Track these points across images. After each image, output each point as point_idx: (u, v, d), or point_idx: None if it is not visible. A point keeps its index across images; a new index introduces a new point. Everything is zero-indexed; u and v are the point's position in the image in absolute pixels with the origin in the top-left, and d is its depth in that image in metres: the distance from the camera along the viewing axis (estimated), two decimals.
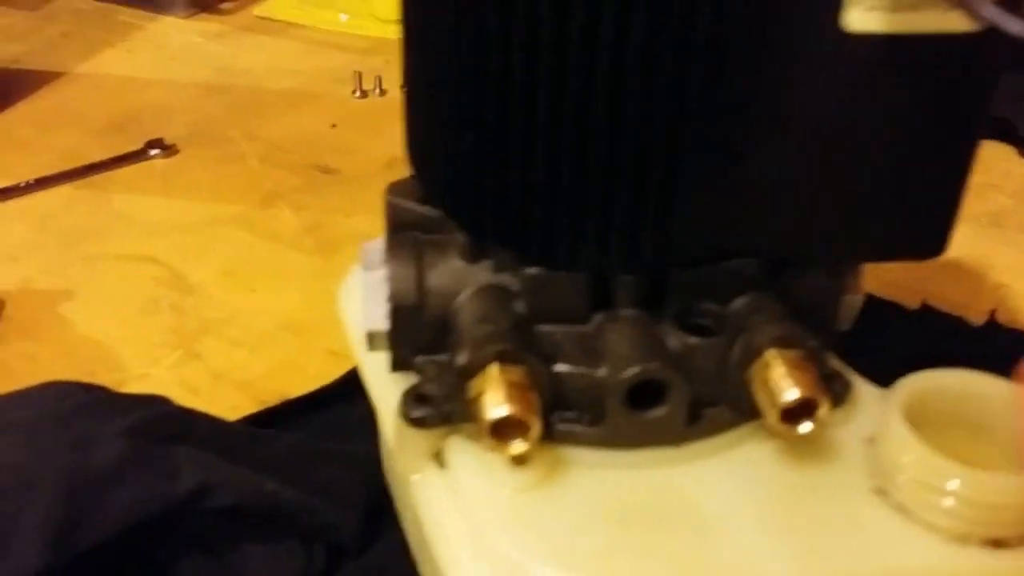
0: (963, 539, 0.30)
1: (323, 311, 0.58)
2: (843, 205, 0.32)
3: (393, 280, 0.33)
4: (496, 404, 0.29)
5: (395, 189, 0.36)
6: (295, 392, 0.52)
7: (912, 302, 0.60)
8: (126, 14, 1.00)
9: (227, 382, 0.54)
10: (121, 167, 0.74)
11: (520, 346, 0.31)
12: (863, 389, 0.35)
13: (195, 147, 0.77)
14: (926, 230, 0.33)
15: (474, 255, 0.33)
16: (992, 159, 0.76)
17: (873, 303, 0.61)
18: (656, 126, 0.28)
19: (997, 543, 0.30)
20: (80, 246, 0.65)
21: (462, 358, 0.31)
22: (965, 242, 0.67)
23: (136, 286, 0.61)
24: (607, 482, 0.32)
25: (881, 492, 0.31)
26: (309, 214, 0.69)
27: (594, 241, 0.30)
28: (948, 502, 0.30)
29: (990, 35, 0.27)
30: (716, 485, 0.32)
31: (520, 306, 0.33)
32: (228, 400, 0.52)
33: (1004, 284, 0.63)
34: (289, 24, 0.96)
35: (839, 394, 0.34)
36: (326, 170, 0.74)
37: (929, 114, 0.30)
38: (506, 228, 0.31)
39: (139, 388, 0.52)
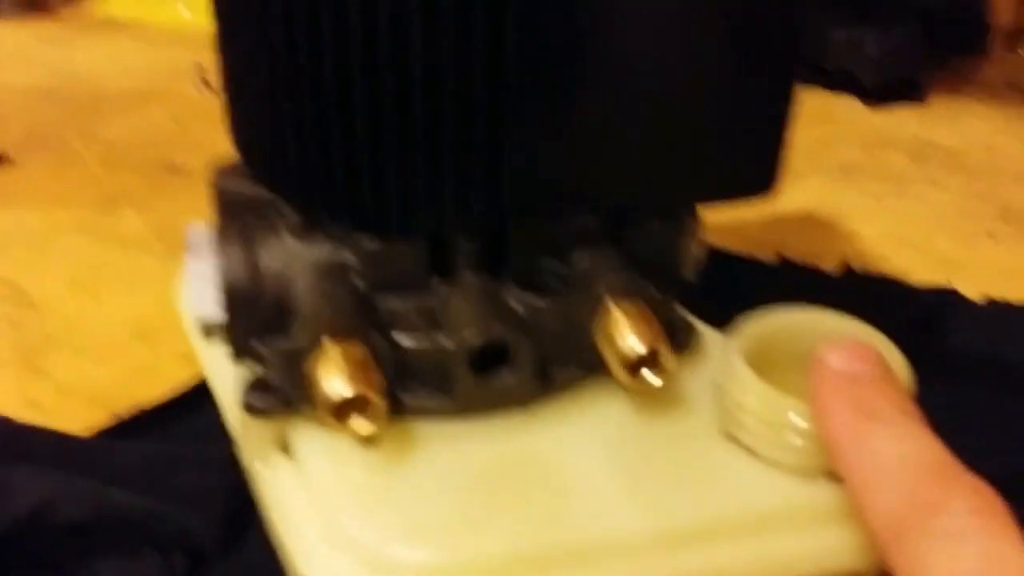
0: (808, 473, 0.30)
1: (175, 315, 0.56)
2: (670, 148, 0.32)
3: (224, 265, 0.31)
4: (335, 384, 0.28)
5: (222, 173, 0.34)
6: (150, 400, 0.50)
7: (768, 256, 0.62)
8: None
9: (76, 396, 0.51)
10: None
11: (358, 322, 0.30)
12: (710, 336, 0.35)
13: (31, 154, 0.73)
14: (755, 168, 0.33)
15: (307, 232, 0.32)
16: (838, 111, 0.78)
17: (729, 258, 0.62)
18: (475, 76, 0.28)
19: (820, 475, 0.30)
20: None
21: (297, 339, 0.30)
22: (816, 194, 0.69)
23: None
24: (460, 453, 0.31)
25: (730, 436, 0.31)
26: (156, 215, 0.66)
27: (424, 203, 0.30)
28: (791, 438, 0.30)
29: None
30: (570, 444, 0.31)
31: (358, 281, 0.32)
32: (78, 415, 0.50)
33: (855, 231, 0.65)
34: (128, 22, 0.92)
35: (684, 342, 0.34)
36: (173, 169, 0.71)
37: (744, 49, 0.30)
38: (334, 200, 0.30)
39: None
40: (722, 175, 0.33)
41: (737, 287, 0.59)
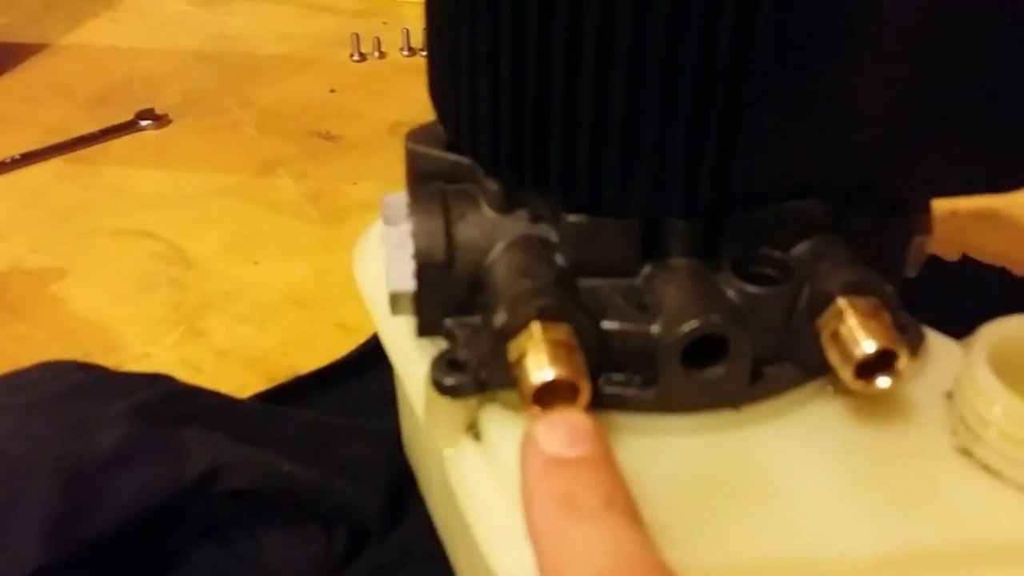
0: None
1: (331, 283, 0.55)
2: (918, 134, 0.28)
3: (418, 235, 0.30)
4: (541, 367, 0.26)
5: (416, 136, 0.32)
6: (305, 368, 0.49)
7: (951, 254, 0.57)
8: None
9: (233, 359, 0.51)
10: (112, 139, 0.70)
11: (564, 302, 0.28)
12: (936, 341, 0.32)
13: (188, 117, 0.73)
14: (1003, 161, 0.30)
15: (508, 205, 0.30)
16: None
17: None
18: (721, 47, 0.25)
19: None
20: (72, 223, 0.61)
21: (500, 318, 0.28)
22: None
23: (132, 262, 0.58)
24: (662, 450, 0.29)
25: (965, 451, 0.28)
26: (311, 182, 0.66)
27: (648, 182, 0.27)
28: None
29: None
30: (782, 450, 0.29)
31: (561, 259, 0.29)
32: (235, 378, 0.49)
33: None
34: None
35: (914, 345, 0.31)
36: (327, 136, 0.71)
37: (1008, 38, 0.27)
38: (546, 172, 0.28)
39: (140, 368, 0.49)
40: (970, 167, 0.29)
41: (918, 286, 0.55)
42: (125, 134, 0.71)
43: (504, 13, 0.26)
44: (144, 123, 0.71)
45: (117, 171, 0.67)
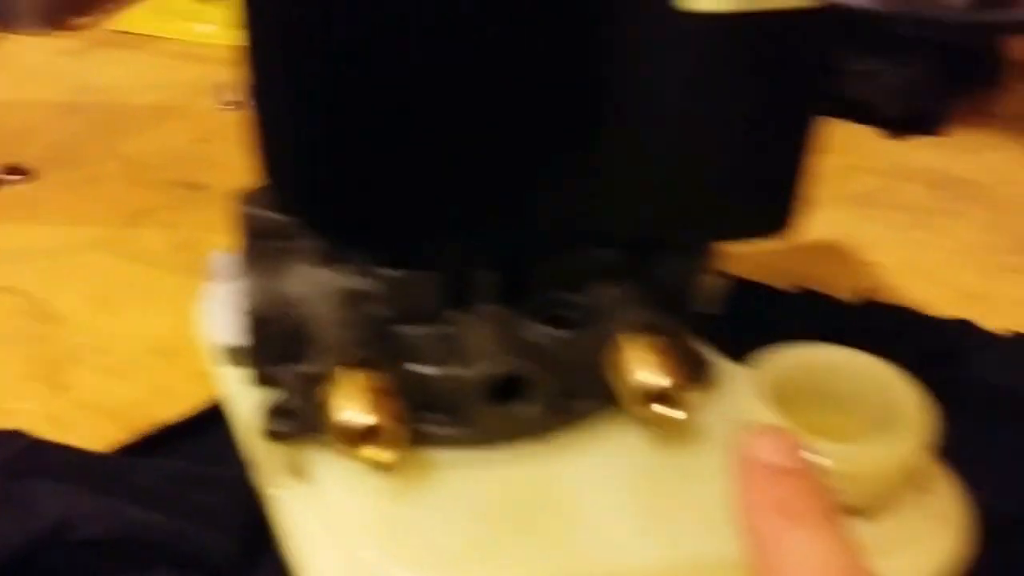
0: None
1: (194, 334, 0.56)
2: (691, 188, 0.32)
3: (248, 290, 0.32)
4: (355, 412, 0.29)
5: (249, 198, 0.35)
6: (169, 418, 0.50)
7: (787, 286, 0.62)
8: None
9: (98, 412, 0.52)
10: None
11: (379, 350, 0.30)
12: (729, 370, 0.35)
13: (56, 170, 0.73)
14: (770, 209, 0.33)
15: (331, 260, 0.33)
16: (855, 140, 0.78)
17: (749, 287, 0.62)
18: (500, 120, 0.28)
19: (855, 513, 0.31)
20: None
21: (317, 366, 0.30)
22: (835, 223, 0.69)
23: None
24: (474, 481, 0.31)
25: None
26: (178, 232, 0.67)
27: (444, 238, 0.30)
28: None
29: (822, 11, 0.27)
30: (585, 476, 0.32)
31: (378, 309, 0.32)
32: (100, 431, 0.50)
33: (875, 261, 0.65)
34: (148, 37, 0.93)
35: (701, 376, 0.34)
36: (195, 186, 0.72)
37: (765, 94, 0.30)
38: (355, 230, 0.31)
39: (2, 425, 0.50)
40: (738, 215, 0.33)
41: (758, 317, 0.59)
42: None
43: (305, 90, 0.29)
44: (11, 178, 0.72)
45: None
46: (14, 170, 0.72)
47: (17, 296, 0.60)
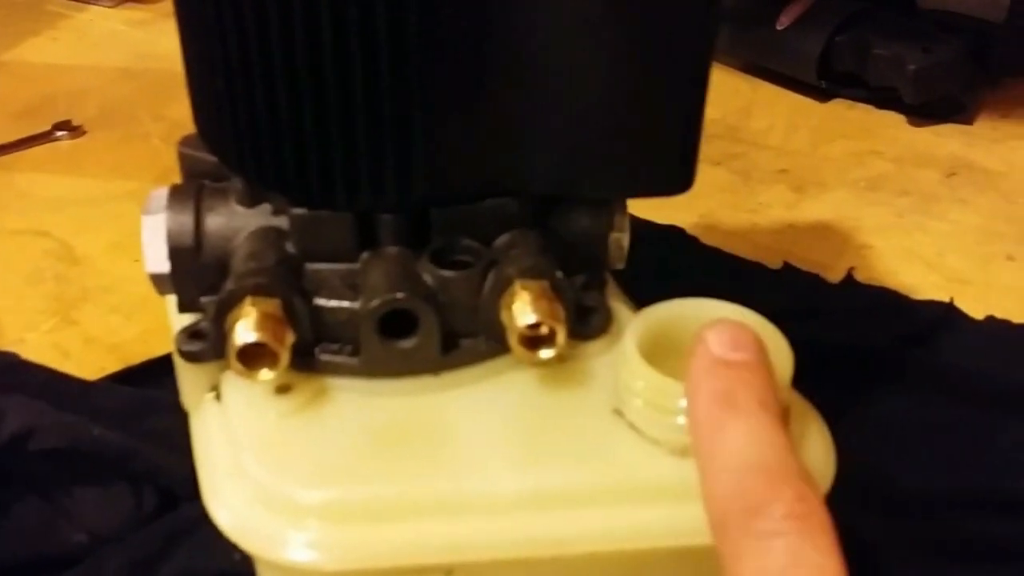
0: (684, 453, 0.31)
1: None
2: (586, 143, 0.33)
3: (171, 224, 0.35)
4: (244, 331, 0.31)
5: (187, 141, 0.38)
6: (157, 355, 0.54)
7: (776, 263, 0.62)
8: (56, 4, 1.02)
9: (99, 346, 0.56)
10: (28, 148, 0.76)
11: (281, 281, 0.33)
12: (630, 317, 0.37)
13: (102, 128, 0.79)
14: (670, 167, 0.34)
15: (252, 200, 0.35)
16: (879, 126, 0.78)
17: (735, 263, 0.63)
18: (381, 65, 0.30)
19: None
20: None
21: (223, 291, 0.33)
22: (839, 206, 0.69)
23: (25, 258, 0.63)
24: (367, 408, 0.34)
25: (619, 413, 0.33)
26: None
27: (341, 182, 0.32)
28: (675, 419, 0.31)
29: None
30: (470, 410, 0.34)
31: (291, 247, 0.35)
32: (98, 362, 0.55)
33: (869, 244, 0.65)
34: None
35: (597, 324, 0.36)
36: None
37: (654, 50, 0.32)
38: (269, 172, 0.33)
39: (15, 352, 0.54)
40: (634, 172, 0.34)
41: (739, 292, 0.60)
42: (41, 143, 0.76)
43: (217, 37, 0.32)
44: (60, 133, 0.77)
45: (28, 177, 0.73)
46: (63, 126, 0.77)
47: (49, 240, 0.66)
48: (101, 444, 0.42)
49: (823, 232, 0.67)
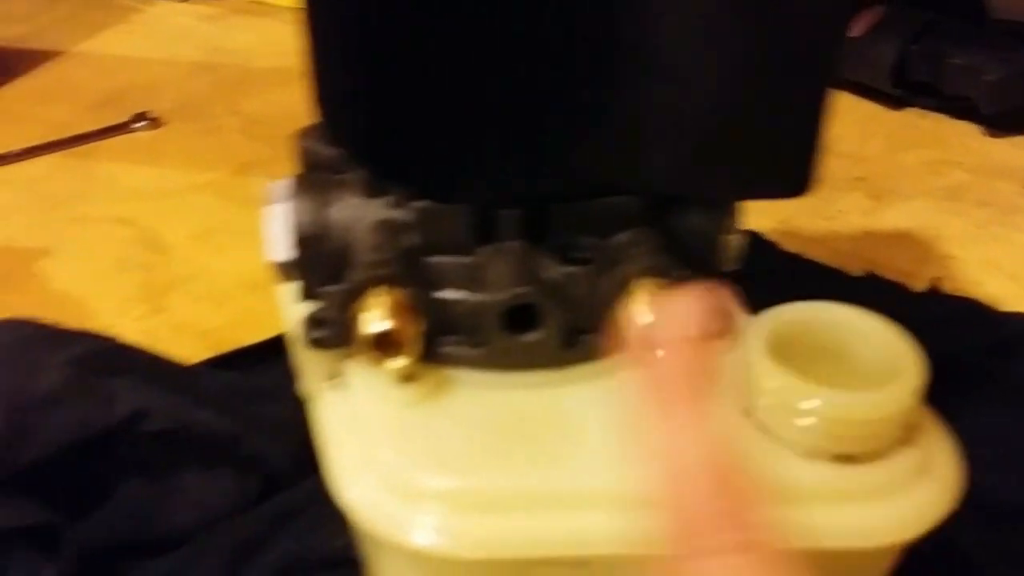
0: (815, 455, 0.32)
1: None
2: (710, 145, 0.34)
3: (297, 213, 0.36)
4: (376, 320, 0.32)
5: (306, 133, 0.39)
6: (247, 343, 0.55)
7: (856, 271, 0.62)
8: None
9: (188, 333, 0.57)
10: (108, 138, 0.77)
11: (406, 272, 0.34)
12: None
13: (179, 120, 0.80)
14: (788, 170, 0.35)
15: (373, 192, 0.36)
16: (953, 136, 0.78)
17: (816, 268, 0.63)
18: (519, 66, 0.31)
19: (846, 459, 0.32)
20: (61, 210, 0.68)
21: (350, 280, 0.33)
22: (918, 215, 0.69)
23: (111, 246, 0.65)
24: (488, 400, 0.34)
25: (747, 413, 0.33)
26: None
27: (468, 177, 0.33)
28: (804, 421, 0.32)
29: None
30: (588, 404, 0.34)
31: (411, 239, 0.35)
32: (187, 349, 0.56)
33: (952, 255, 0.65)
34: (280, 7, 1.00)
35: (726, 321, 0.36)
36: None
37: (782, 55, 0.32)
38: (397, 165, 0.34)
39: None
40: (755, 174, 0.35)
41: (821, 298, 0.60)
42: (120, 133, 0.78)
43: (361, 33, 0.32)
44: (138, 124, 0.78)
45: (109, 166, 0.74)
46: (141, 117, 0.79)
47: (133, 228, 0.67)
48: (208, 428, 0.43)
49: (903, 241, 0.66)
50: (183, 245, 0.65)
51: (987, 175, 0.73)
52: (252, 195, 0.70)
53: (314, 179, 0.37)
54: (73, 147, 0.76)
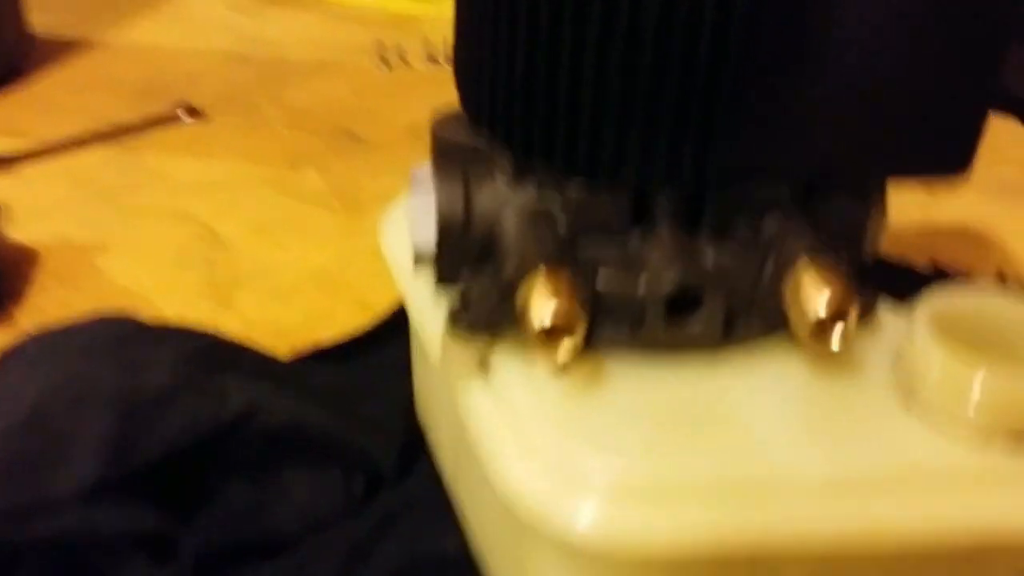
0: (987, 436, 0.31)
1: (351, 267, 0.60)
2: (880, 123, 0.33)
3: (441, 199, 0.34)
4: (545, 309, 0.31)
5: (439, 123, 0.37)
6: (326, 341, 0.54)
7: (922, 263, 0.62)
8: None
9: (260, 331, 0.56)
10: (152, 129, 0.75)
11: (564, 258, 0.32)
12: (888, 310, 0.36)
13: (222, 112, 0.78)
14: (952, 146, 0.34)
15: (518, 179, 0.35)
16: (1000, 131, 0.78)
17: (880, 260, 0.62)
18: (701, 49, 0.30)
19: (1019, 438, 0.31)
20: (116, 203, 0.66)
21: (510, 268, 0.32)
22: (972, 208, 0.69)
23: (171, 241, 0.63)
24: (648, 386, 0.33)
25: (906, 405, 0.33)
26: (335, 177, 0.70)
27: (637, 159, 0.32)
28: (974, 396, 0.31)
29: None
30: (750, 392, 0.33)
31: (562, 223, 0.34)
32: (262, 348, 0.54)
33: (1010, 249, 0.65)
34: None
35: (868, 307, 0.35)
36: (351, 136, 0.76)
37: (949, 29, 0.31)
38: (552, 145, 0.33)
39: None
40: (922, 152, 0.34)
41: (889, 289, 0.59)
42: (165, 125, 0.76)
43: (520, 15, 0.31)
44: (183, 116, 0.77)
45: (158, 158, 0.72)
46: (186, 109, 0.77)
47: (193, 223, 0.65)
48: (320, 428, 0.42)
49: (961, 235, 0.66)
50: (244, 241, 0.63)
51: None
52: (306, 190, 0.69)
53: (457, 165, 0.35)
54: (118, 139, 0.74)
